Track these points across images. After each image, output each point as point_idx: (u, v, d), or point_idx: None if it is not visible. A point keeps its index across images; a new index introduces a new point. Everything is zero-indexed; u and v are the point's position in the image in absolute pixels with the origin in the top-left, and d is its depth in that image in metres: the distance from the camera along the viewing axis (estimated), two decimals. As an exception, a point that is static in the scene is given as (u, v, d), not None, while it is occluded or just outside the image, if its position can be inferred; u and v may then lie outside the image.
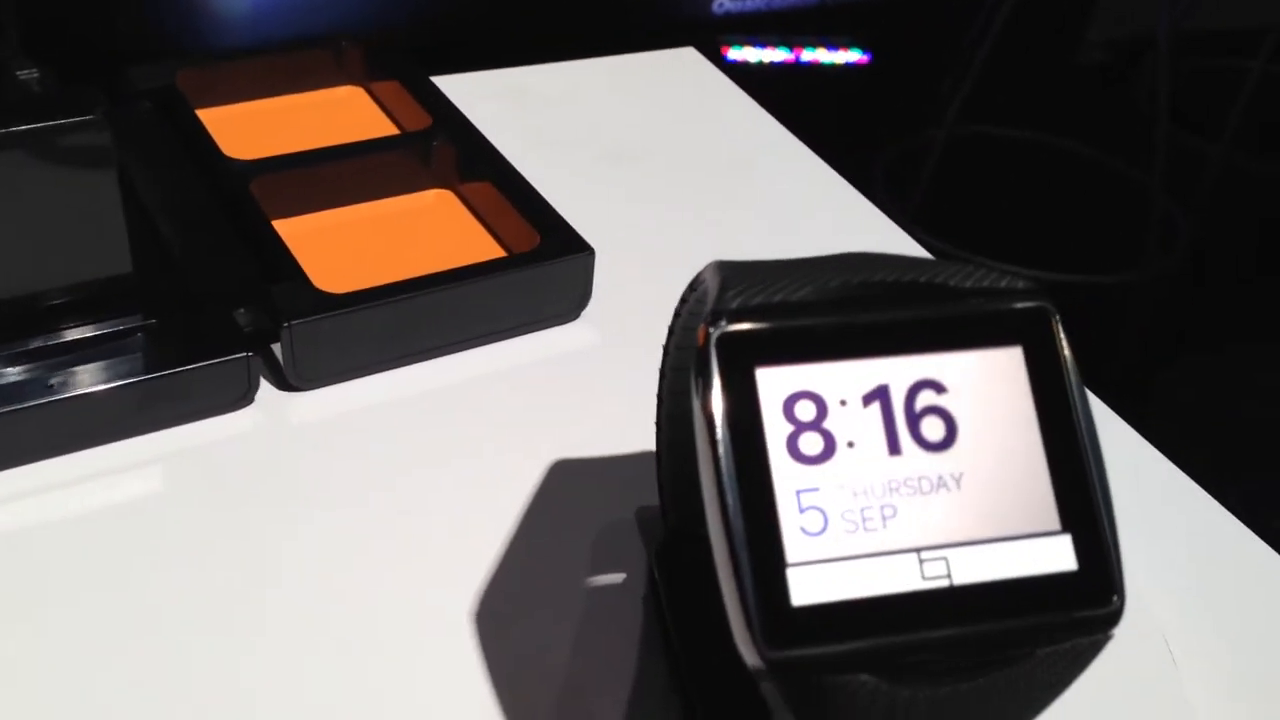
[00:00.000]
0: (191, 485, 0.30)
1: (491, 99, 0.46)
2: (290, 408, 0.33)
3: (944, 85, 1.24)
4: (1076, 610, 0.19)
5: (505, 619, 0.28)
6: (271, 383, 0.33)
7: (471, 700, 0.26)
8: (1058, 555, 0.19)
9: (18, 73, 0.34)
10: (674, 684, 0.27)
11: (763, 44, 1.30)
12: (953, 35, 1.29)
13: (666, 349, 0.27)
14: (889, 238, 0.42)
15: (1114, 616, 0.19)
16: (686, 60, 0.53)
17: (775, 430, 0.19)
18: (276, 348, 0.33)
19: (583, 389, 0.35)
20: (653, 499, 0.30)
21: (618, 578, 0.29)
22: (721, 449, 0.19)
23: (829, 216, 0.43)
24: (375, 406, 0.33)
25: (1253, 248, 1.27)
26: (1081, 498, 0.19)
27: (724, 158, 0.46)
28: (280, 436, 0.32)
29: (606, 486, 0.32)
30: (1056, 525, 0.19)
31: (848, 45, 1.32)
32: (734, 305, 0.20)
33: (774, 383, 0.19)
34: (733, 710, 0.25)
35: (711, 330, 0.19)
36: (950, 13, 1.33)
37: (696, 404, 0.19)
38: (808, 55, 1.33)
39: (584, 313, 0.37)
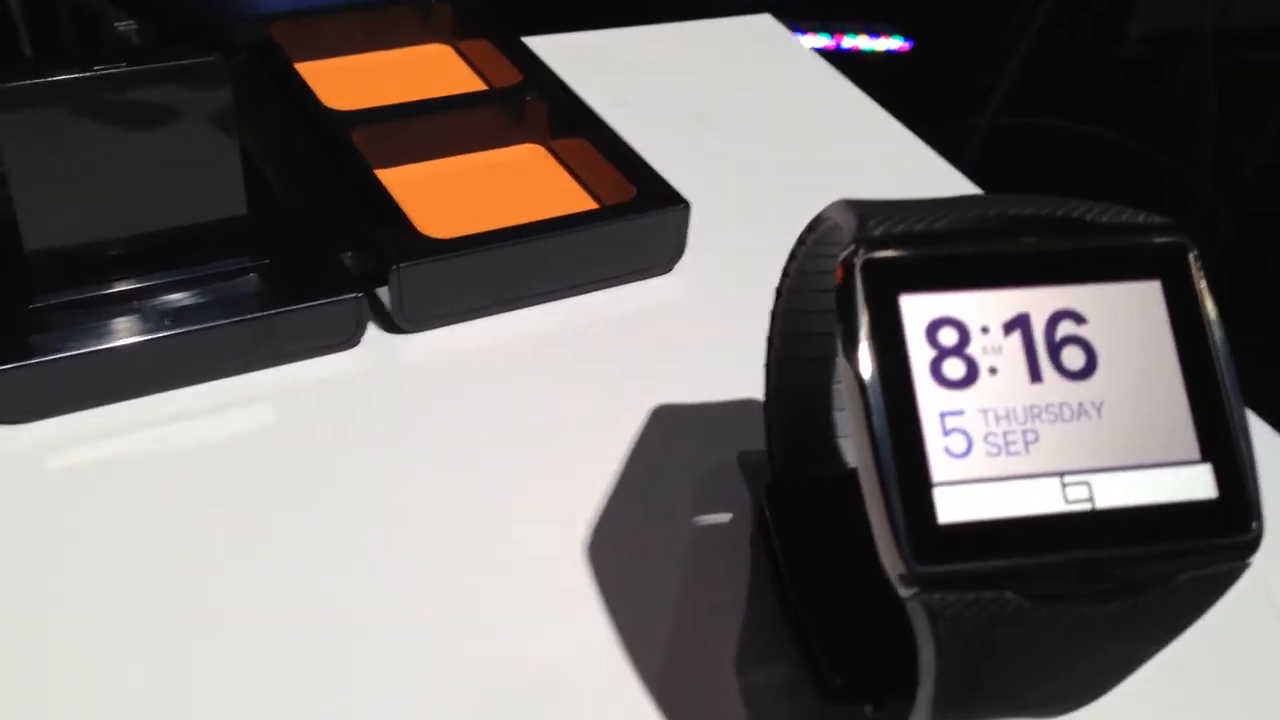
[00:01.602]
0: (301, 421, 0.31)
1: (571, 61, 0.47)
2: (396, 349, 0.34)
3: (979, 76, 1.23)
4: (1217, 537, 0.19)
5: (609, 559, 0.28)
6: (378, 325, 0.34)
7: (578, 635, 0.27)
8: (1198, 483, 0.20)
9: (116, 24, 0.35)
10: (784, 618, 0.27)
11: (803, 30, 1.30)
12: (995, 25, 1.28)
13: (779, 291, 0.27)
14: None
15: (1253, 544, 0.19)
16: (762, 28, 0.53)
17: (919, 355, 0.19)
18: (382, 292, 0.33)
19: (678, 339, 0.35)
20: (751, 444, 0.31)
21: (723, 519, 0.30)
22: (867, 373, 0.19)
23: (920, 184, 0.43)
24: (477, 350, 0.34)
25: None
26: (1220, 428, 0.20)
27: (804, 122, 0.46)
28: (386, 376, 0.33)
29: (705, 432, 0.32)
30: (1196, 454, 0.20)
31: (889, 32, 1.31)
32: (877, 233, 0.20)
33: (917, 309, 0.20)
34: (843, 641, 0.25)
35: (856, 258, 0.20)
36: (993, 2, 1.32)
37: (841, 329, 0.20)
38: (848, 42, 1.32)
39: (677, 266, 0.37)
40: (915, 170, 0.44)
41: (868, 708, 0.24)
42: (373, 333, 0.34)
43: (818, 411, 0.29)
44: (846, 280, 0.20)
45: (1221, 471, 0.20)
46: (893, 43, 1.29)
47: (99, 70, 0.30)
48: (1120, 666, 0.21)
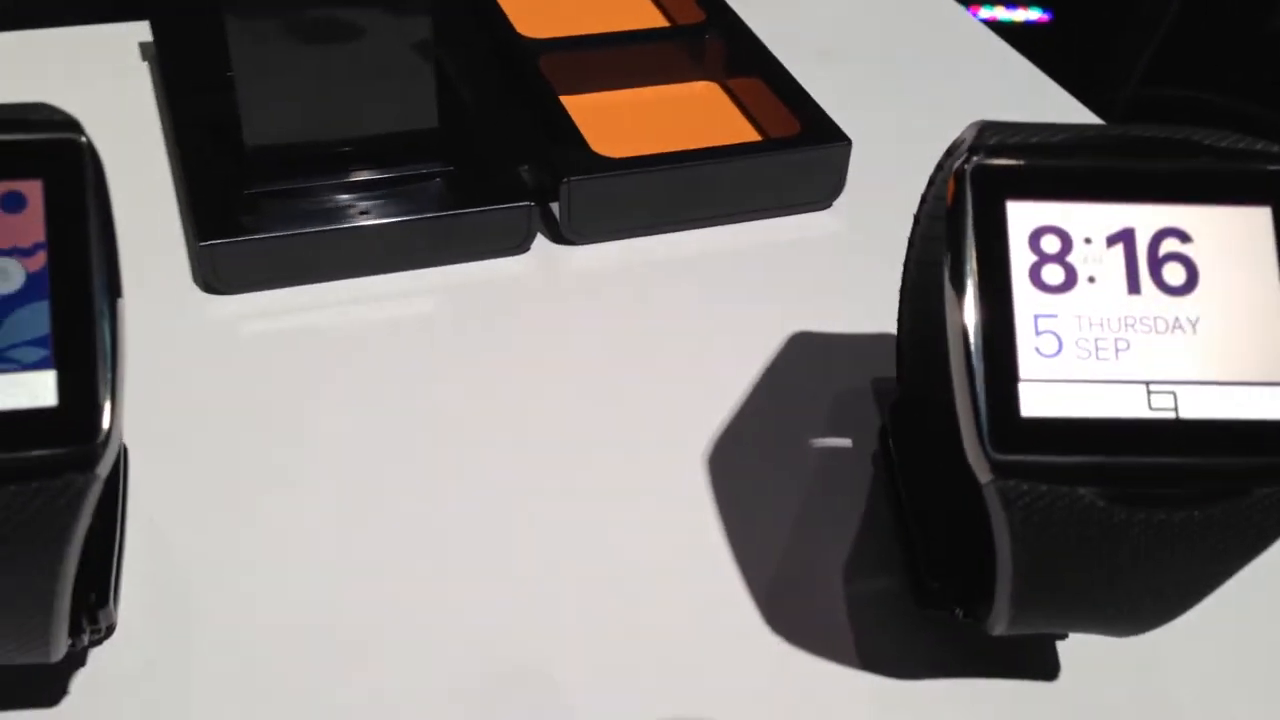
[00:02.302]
0: (466, 315, 0.34)
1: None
2: (561, 258, 0.36)
3: (1120, 47, 1.16)
4: (1298, 455, 0.20)
5: (737, 468, 0.30)
6: (546, 236, 0.37)
7: (701, 538, 0.28)
8: (1286, 403, 0.20)
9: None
10: (896, 530, 0.28)
11: (941, 0, 1.26)
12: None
13: (917, 218, 0.28)
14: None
15: (1337, 467, 0.20)
16: None
17: (1020, 259, 0.20)
18: (554, 206, 0.36)
19: (828, 271, 0.36)
20: (886, 372, 0.32)
21: (850, 439, 0.31)
22: (968, 270, 0.20)
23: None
24: (635, 265, 0.36)
25: None
26: (1317, 354, 0.20)
27: (954, 70, 0.47)
28: (549, 282, 0.35)
29: (845, 358, 0.34)
30: (1288, 376, 0.20)
31: (1027, 3, 1.26)
32: (991, 142, 0.21)
33: (1023, 215, 0.21)
34: (942, 550, 0.27)
35: (968, 164, 0.21)
36: None
37: (947, 228, 0.21)
38: (985, 13, 1.28)
39: (836, 202, 0.39)
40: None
41: (957, 611, 0.25)
42: (541, 242, 0.36)
43: (942, 344, 0.30)
44: (958, 183, 0.21)
45: (1313, 394, 0.20)
46: (1031, 13, 1.24)
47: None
48: (1197, 582, 0.21)
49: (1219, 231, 0.21)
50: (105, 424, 0.18)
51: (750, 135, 0.40)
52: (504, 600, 0.27)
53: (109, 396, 0.18)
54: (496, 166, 0.36)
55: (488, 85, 0.40)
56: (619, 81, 0.42)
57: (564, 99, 0.39)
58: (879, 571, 0.28)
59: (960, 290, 0.20)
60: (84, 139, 0.20)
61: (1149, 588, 0.21)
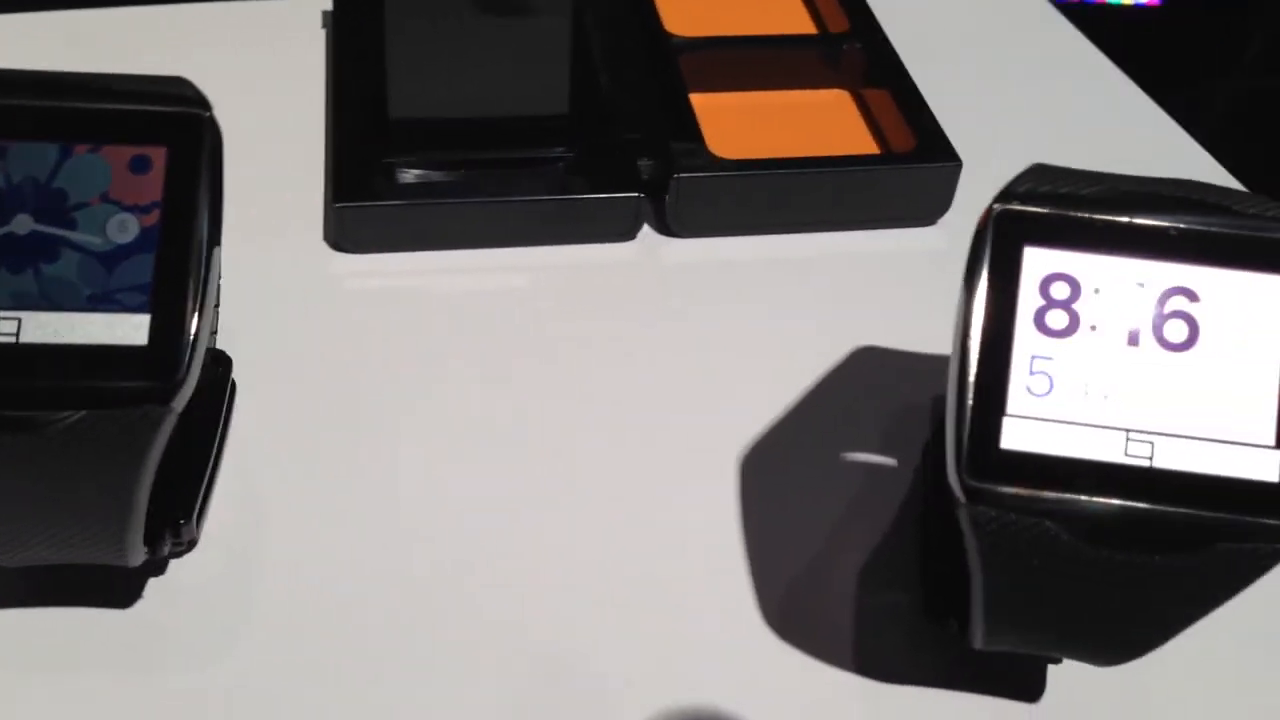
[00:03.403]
0: (569, 294, 0.36)
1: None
2: (665, 249, 0.38)
3: (1234, 33, 1.07)
4: (1265, 517, 0.20)
5: (783, 472, 0.32)
6: (654, 228, 0.39)
7: (725, 533, 0.30)
8: (1262, 466, 0.21)
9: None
10: (918, 545, 0.30)
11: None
12: None
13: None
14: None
15: (1307, 534, 0.20)
16: None
17: (1028, 301, 0.22)
18: (667, 198, 0.38)
19: (923, 287, 0.38)
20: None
21: (900, 453, 0.33)
22: (977, 306, 0.22)
23: (1163, 164, 0.43)
24: (736, 262, 0.38)
25: None
26: (1306, 424, 0.21)
27: (1063, 92, 0.47)
28: (651, 270, 0.38)
29: (916, 375, 0.35)
30: (1271, 441, 0.21)
31: None
32: (1021, 190, 0.22)
33: (1038, 261, 0.22)
34: (950, 565, 0.28)
35: (995, 208, 0.22)
36: None
37: (967, 264, 0.22)
38: None
39: (942, 220, 0.39)
40: (1156, 145, 0.44)
41: (952, 623, 0.26)
42: (648, 232, 0.39)
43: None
44: (983, 225, 0.22)
45: (1292, 462, 0.21)
46: None
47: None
48: (1157, 623, 0.22)
49: (1229, 294, 0.21)
50: (183, 367, 0.21)
51: (869, 146, 0.41)
52: (547, 577, 0.29)
53: (190, 344, 0.22)
54: (617, 156, 0.39)
55: (628, 77, 0.42)
56: (753, 83, 0.43)
57: (695, 97, 0.41)
58: (893, 586, 0.29)
59: (966, 323, 0.22)
60: (207, 114, 0.23)
61: (1112, 623, 0.22)
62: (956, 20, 0.50)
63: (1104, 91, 0.47)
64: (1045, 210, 0.22)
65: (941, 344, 0.35)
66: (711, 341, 0.35)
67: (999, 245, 0.22)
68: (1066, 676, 0.27)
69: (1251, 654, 0.28)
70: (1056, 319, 0.22)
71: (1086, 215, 0.22)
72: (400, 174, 0.38)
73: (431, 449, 0.32)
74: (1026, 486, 0.21)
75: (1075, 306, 0.22)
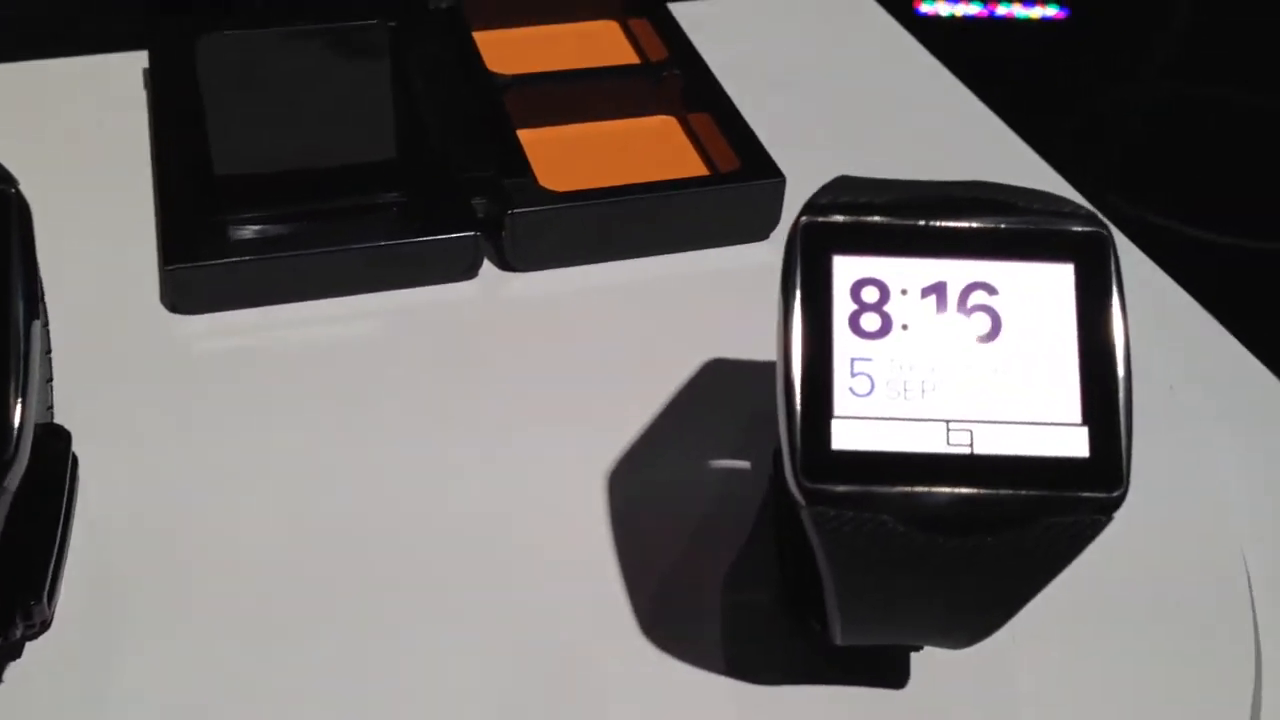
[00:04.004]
0: (416, 337, 0.37)
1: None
2: (507, 285, 0.39)
3: (1140, 43, 1.15)
4: (1082, 490, 0.22)
5: (642, 482, 0.33)
6: (495, 264, 0.39)
7: (591, 547, 0.31)
8: (1073, 443, 0.22)
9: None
10: (775, 542, 0.31)
11: (956, -2, 1.26)
12: None
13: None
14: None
15: (1115, 502, 0.22)
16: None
17: (841, 308, 0.23)
18: (505, 235, 0.39)
19: (764, 301, 0.39)
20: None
21: (756, 458, 0.34)
22: (795, 317, 0.23)
23: (992, 167, 0.45)
24: (577, 293, 0.39)
25: None
26: (1105, 399, 0.22)
27: (894, 98, 0.49)
28: (494, 307, 0.38)
29: (762, 385, 0.36)
30: (1078, 418, 0.22)
31: (1045, 0, 1.26)
32: (824, 201, 0.23)
33: (846, 269, 0.23)
34: (805, 564, 0.29)
35: (801, 220, 0.23)
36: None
37: (781, 277, 0.23)
38: (1002, 9, 1.27)
39: (773, 234, 0.41)
40: (992, 149, 0.46)
41: (815, 624, 0.27)
42: (489, 269, 0.39)
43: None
44: (791, 238, 0.23)
45: (1097, 436, 0.22)
46: (1048, 10, 1.24)
47: (283, 28, 0.36)
48: (996, 602, 0.24)
49: (1024, 285, 0.23)
50: (10, 446, 0.21)
51: (698, 169, 0.43)
52: (421, 608, 0.29)
53: (15, 423, 0.21)
54: (451, 197, 0.39)
55: (456, 119, 0.43)
56: (579, 116, 0.44)
57: (523, 133, 0.42)
58: (756, 585, 0.30)
59: (786, 334, 0.23)
60: (13, 190, 0.23)
61: (954, 606, 0.24)
62: (786, 38, 0.52)
63: (939, 98, 0.49)
64: (848, 219, 0.23)
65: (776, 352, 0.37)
66: (563, 369, 0.36)
67: (808, 256, 0.23)
68: (929, 661, 0.28)
69: (1088, 622, 0.30)
70: (870, 321, 0.23)
71: (886, 221, 0.23)
72: (232, 231, 0.37)
73: (293, 508, 0.31)
74: (860, 484, 0.22)
75: (886, 309, 0.23)
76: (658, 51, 0.46)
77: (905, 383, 0.22)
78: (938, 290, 0.23)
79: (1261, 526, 0.33)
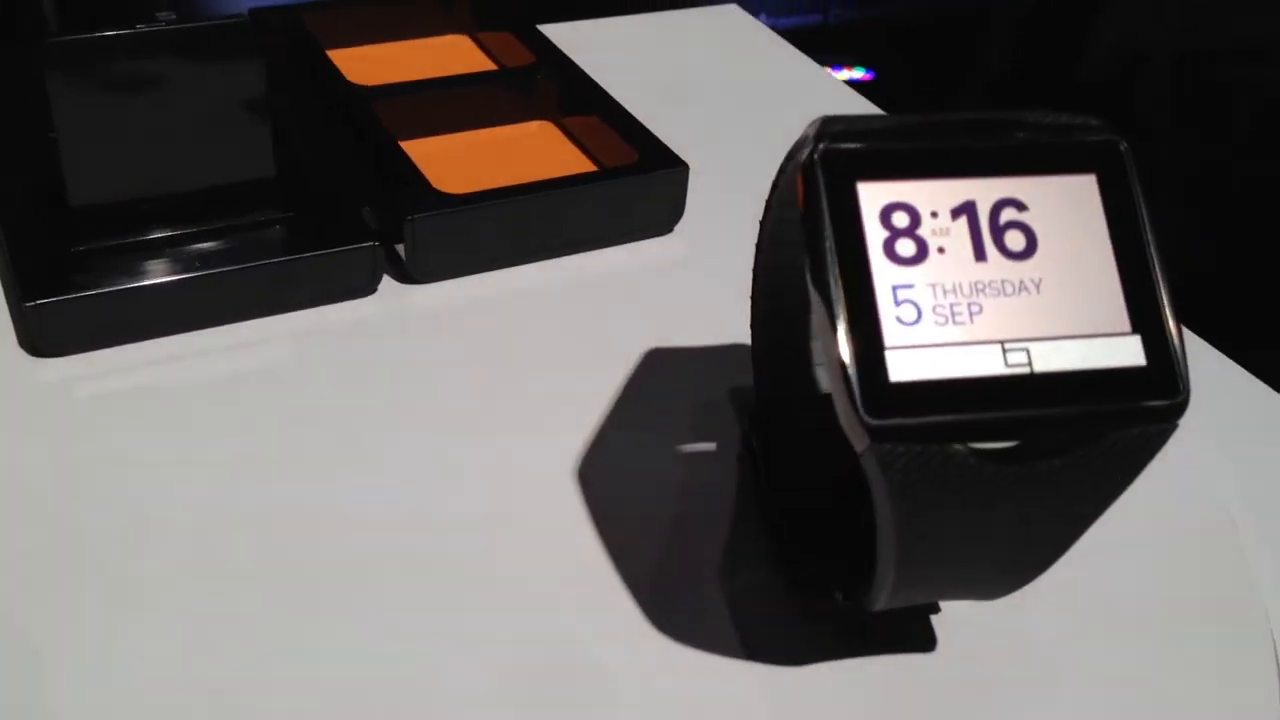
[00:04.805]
0: (318, 360, 0.33)
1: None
2: (409, 298, 0.36)
3: (943, 106, 1.24)
4: (1145, 400, 0.21)
5: (606, 482, 0.30)
6: (394, 278, 0.36)
7: (578, 549, 0.28)
8: (1129, 352, 0.21)
9: (157, 14, 0.38)
10: (765, 527, 0.29)
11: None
12: (958, 55, 1.31)
13: (763, 224, 0.29)
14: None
15: (1179, 408, 0.21)
16: (732, 18, 0.55)
17: (874, 235, 0.21)
18: (399, 248, 0.36)
19: (677, 293, 0.37)
20: (743, 382, 0.33)
21: (713, 445, 0.32)
22: (829, 251, 0.21)
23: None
24: (484, 300, 0.36)
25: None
26: (1150, 305, 0.21)
27: (782, 98, 0.48)
28: (399, 322, 0.35)
29: (701, 373, 0.34)
30: (1128, 327, 0.21)
31: (851, 64, 1.32)
32: (837, 129, 0.22)
33: (872, 195, 0.22)
34: (815, 540, 0.27)
35: (818, 150, 0.22)
36: (955, 33, 1.34)
37: (805, 214, 0.21)
38: None
39: (677, 227, 0.39)
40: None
41: (837, 595, 0.26)
42: (389, 284, 0.36)
43: (796, 341, 0.30)
44: (809, 170, 0.22)
45: (1150, 343, 0.21)
46: (855, 73, 1.30)
47: (140, 28, 0.32)
48: (1063, 529, 0.22)
49: (1052, 199, 0.22)
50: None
51: (587, 167, 0.41)
52: (385, 643, 0.26)
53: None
54: (338, 210, 0.36)
55: (323, 135, 0.40)
56: (455, 125, 0.42)
57: (405, 144, 0.39)
58: (755, 566, 0.28)
59: (822, 269, 0.21)
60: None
61: (1021, 539, 0.22)
62: (650, 44, 0.51)
63: (809, 91, 0.49)
64: (866, 145, 0.22)
65: (708, 339, 0.35)
66: (490, 380, 0.33)
67: (832, 186, 0.22)
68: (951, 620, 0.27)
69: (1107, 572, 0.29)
70: (905, 247, 0.21)
71: (906, 145, 0.22)
72: (96, 261, 0.33)
73: (210, 556, 0.27)
74: (927, 414, 0.20)
75: (919, 233, 0.22)
76: (523, 58, 0.45)
77: (952, 306, 0.21)
78: (967, 210, 0.22)
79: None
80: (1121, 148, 0.22)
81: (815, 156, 0.22)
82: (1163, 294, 0.22)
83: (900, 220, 0.22)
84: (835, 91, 0.50)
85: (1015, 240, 0.22)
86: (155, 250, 0.34)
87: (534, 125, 0.43)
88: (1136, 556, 0.29)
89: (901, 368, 0.21)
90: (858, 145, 0.22)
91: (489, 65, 0.46)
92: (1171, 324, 0.22)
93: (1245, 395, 0.35)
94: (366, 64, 0.45)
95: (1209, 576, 0.29)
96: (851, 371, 0.21)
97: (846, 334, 0.21)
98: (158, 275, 0.33)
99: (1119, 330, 0.21)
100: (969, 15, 1.37)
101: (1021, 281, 0.22)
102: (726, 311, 0.34)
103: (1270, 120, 1.29)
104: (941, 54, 1.35)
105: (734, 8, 0.55)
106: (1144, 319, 0.22)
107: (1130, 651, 0.27)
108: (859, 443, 0.21)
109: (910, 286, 0.21)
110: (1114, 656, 0.27)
